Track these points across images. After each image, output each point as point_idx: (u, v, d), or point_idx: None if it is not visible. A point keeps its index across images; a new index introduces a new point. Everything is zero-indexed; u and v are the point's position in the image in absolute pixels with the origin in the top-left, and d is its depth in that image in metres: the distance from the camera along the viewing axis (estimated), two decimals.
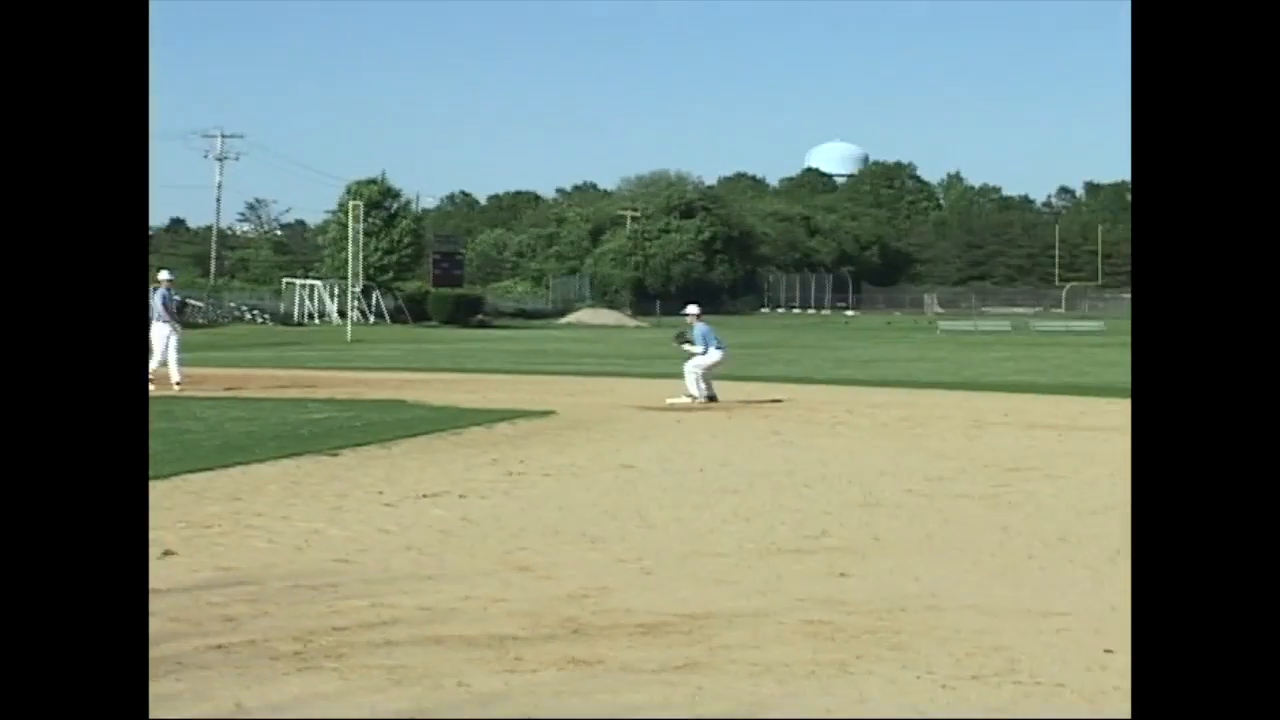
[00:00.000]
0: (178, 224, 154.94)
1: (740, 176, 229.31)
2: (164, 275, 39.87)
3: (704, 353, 32.54)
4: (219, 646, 9.88)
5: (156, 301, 38.03)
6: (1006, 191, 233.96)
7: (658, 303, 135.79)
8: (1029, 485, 18.70)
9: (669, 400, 31.98)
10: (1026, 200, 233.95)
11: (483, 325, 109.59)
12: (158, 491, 17.25)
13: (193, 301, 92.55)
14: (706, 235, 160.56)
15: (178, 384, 35.72)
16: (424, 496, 17.29)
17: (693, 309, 35.04)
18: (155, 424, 25.66)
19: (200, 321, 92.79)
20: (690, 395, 32.02)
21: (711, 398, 32.05)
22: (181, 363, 36.73)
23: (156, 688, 8.84)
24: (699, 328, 33.14)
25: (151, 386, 34.51)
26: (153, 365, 36.13)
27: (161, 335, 36.50)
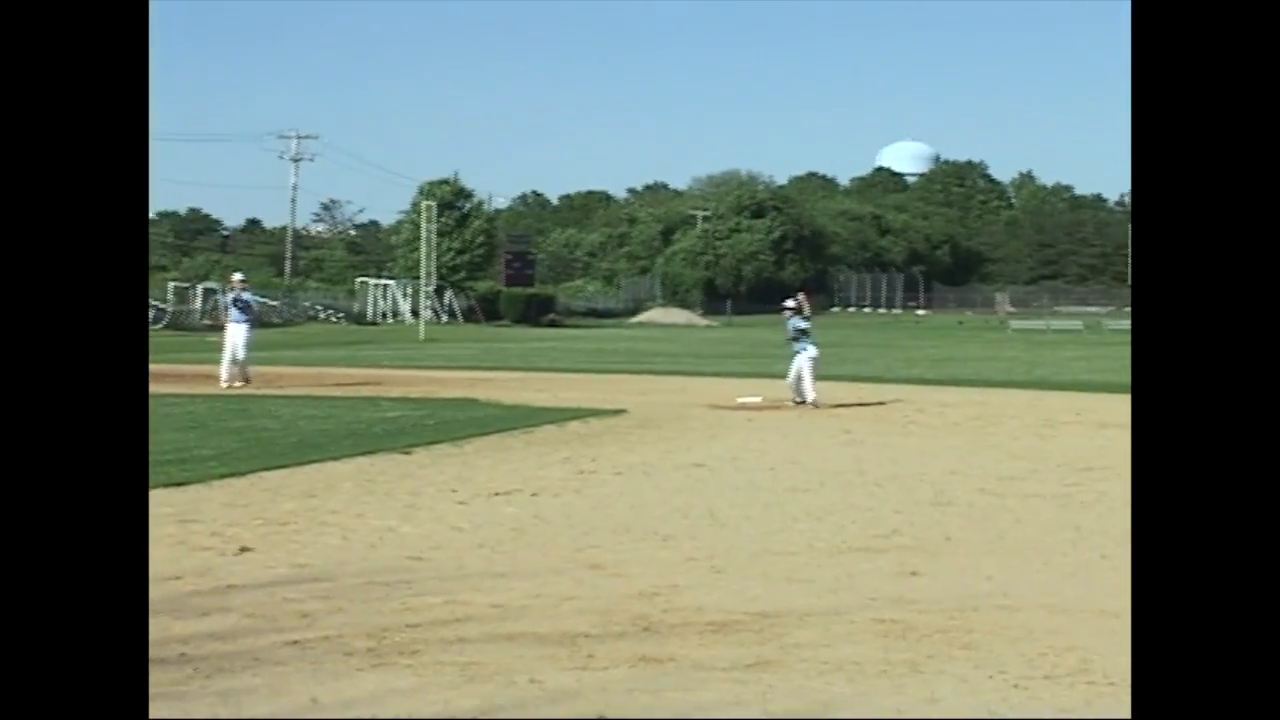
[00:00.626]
0: (253, 224, 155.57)
1: (811, 176, 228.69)
2: (237, 276, 40.20)
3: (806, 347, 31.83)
4: (295, 642, 9.92)
5: (229, 301, 38.37)
6: (1079, 191, 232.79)
7: (728, 302, 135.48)
8: (1101, 485, 18.61)
9: (740, 400, 31.89)
10: (1099, 199, 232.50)
11: (554, 324, 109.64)
12: (235, 489, 17.37)
13: (268, 302, 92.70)
14: (777, 235, 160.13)
15: (228, 376, 36.00)
16: (496, 494, 17.31)
17: (797, 299, 34.35)
18: (232, 422, 25.86)
19: (275, 321, 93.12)
20: (803, 398, 31.36)
21: (801, 399, 31.34)
22: (250, 361, 36.94)
23: (234, 682, 8.91)
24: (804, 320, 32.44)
25: (237, 384, 34.84)
26: (225, 363, 36.42)
27: (237, 334, 36.79)
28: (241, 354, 36.75)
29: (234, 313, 38.04)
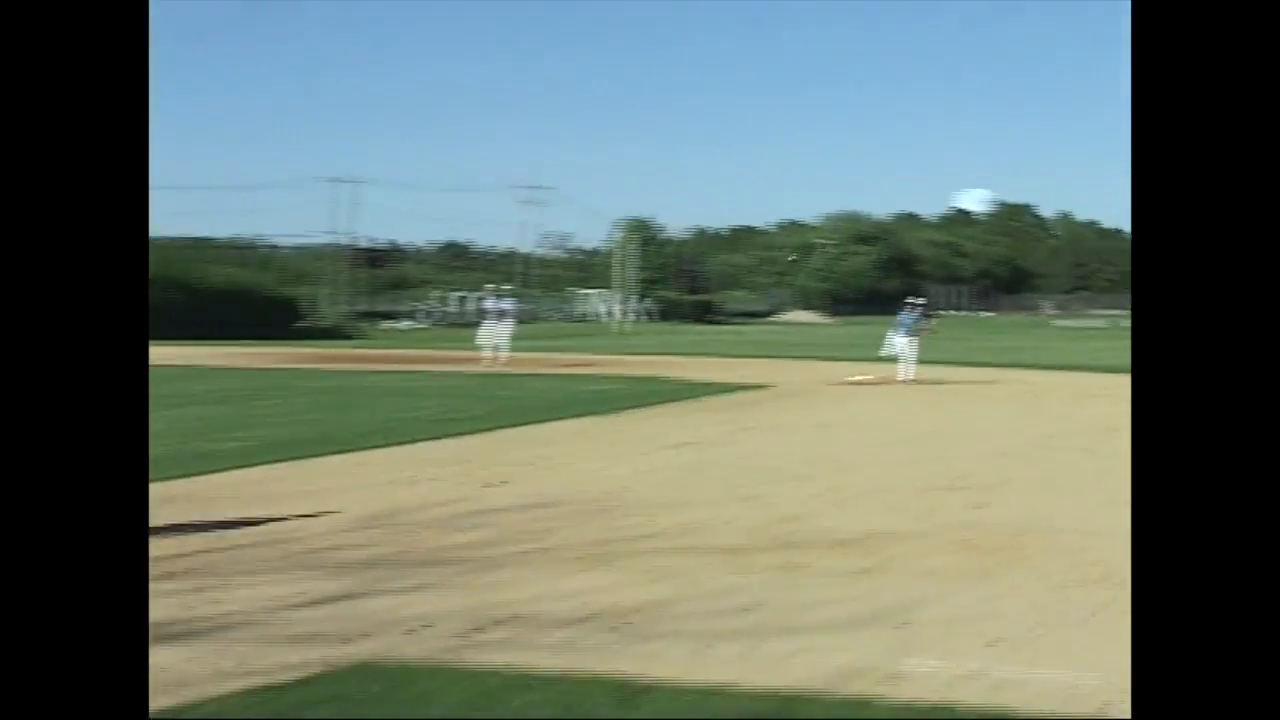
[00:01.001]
0: (460, 248, 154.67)
1: (904, 214, 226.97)
2: (489, 288, 41.04)
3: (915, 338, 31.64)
4: (535, 550, 10.05)
5: (491, 306, 39.11)
6: (1105, 224, 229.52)
7: (846, 306, 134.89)
8: (1123, 442, 18.36)
9: (854, 378, 31.71)
10: (1119, 231, 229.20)
11: (715, 323, 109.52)
12: (494, 439, 17.58)
13: (518, 305, 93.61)
14: (879, 258, 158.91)
15: (486, 360, 36.44)
16: (675, 446, 17.39)
17: (921, 300, 34.39)
18: (493, 391, 26.06)
19: (520, 321, 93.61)
20: (907, 376, 31.01)
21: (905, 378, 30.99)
22: (507, 349, 37.36)
23: (489, 577, 9.04)
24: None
25: (494, 366, 35.22)
26: (487, 353, 36.90)
27: (497, 329, 37.45)
28: (503, 344, 37.29)
29: (493, 313, 38.67)
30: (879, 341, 34.34)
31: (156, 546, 10.03)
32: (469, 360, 37.66)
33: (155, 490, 12.60)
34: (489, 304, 40.42)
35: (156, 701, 6.22)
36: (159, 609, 8.04)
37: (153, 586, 8.56)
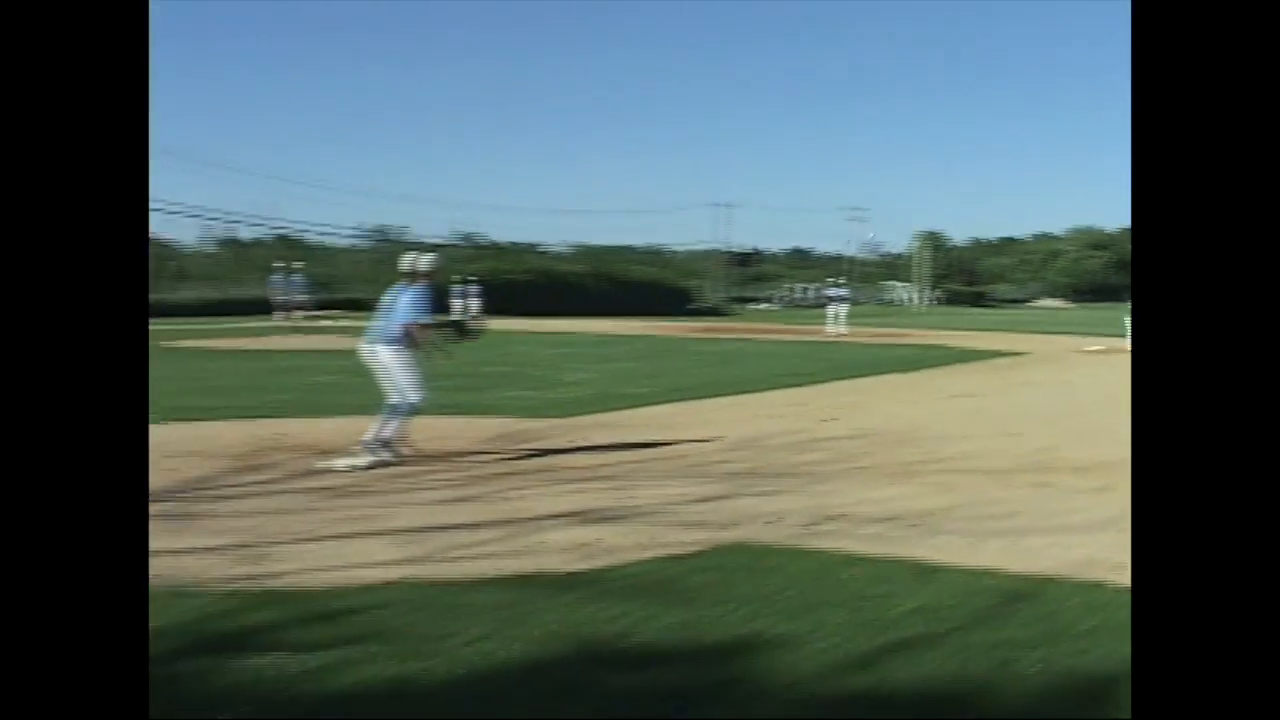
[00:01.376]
0: (804, 253, 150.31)
1: (1127, 227, 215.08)
2: (829, 280, 41.49)
3: None
4: (853, 468, 9.98)
5: (831, 293, 39.54)
6: None
7: (1084, 296, 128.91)
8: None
9: (1087, 348, 30.26)
10: None
11: (989, 307, 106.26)
12: (825, 390, 17.45)
13: (849, 293, 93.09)
14: (1109, 260, 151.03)
15: (830, 331, 36.30)
16: (958, 395, 16.96)
17: None
18: (818, 355, 25.85)
19: (851, 304, 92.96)
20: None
21: None
22: (839, 321, 37.30)
23: (823, 486, 8.97)
24: None
25: (836, 336, 35.08)
26: (830, 327, 36.93)
27: (834, 310, 37.50)
28: (841, 320, 37.31)
29: (835, 298, 38.87)
30: (1111, 323, 32.66)
31: (589, 458, 10.37)
32: (810, 332, 37.55)
33: (586, 420, 13.05)
34: (830, 292, 40.55)
35: (592, 562, 6.43)
36: (592, 500, 8.32)
37: (584, 485, 8.89)
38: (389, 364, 9.82)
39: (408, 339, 9.81)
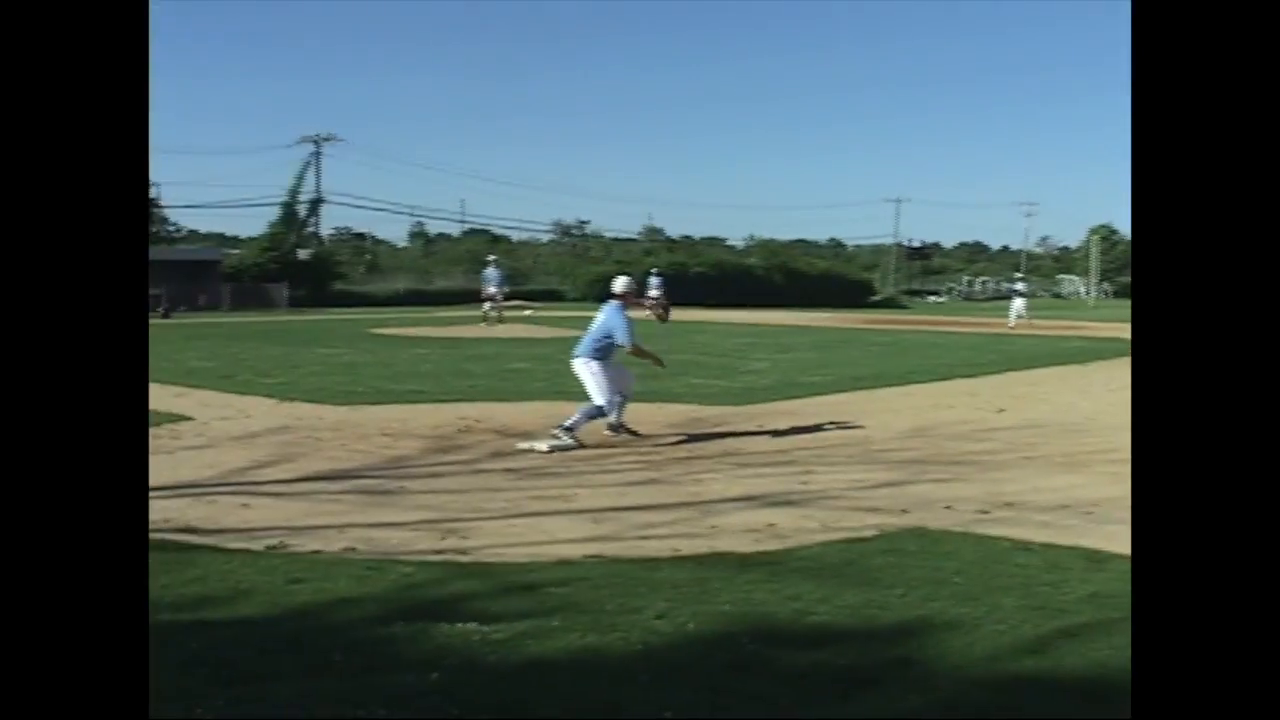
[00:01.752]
0: (977, 246, 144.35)
1: None
2: (1016, 275, 40.57)
3: None
4: (1025, 457, 9.62)
5: (1013, 288, 38.50)
6: None
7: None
8: None
9: None
10: None
11: None
12: (988, 382, 16.93)
13: (1029, 287, 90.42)
14: None
15: (1021, 326, 35.02)
16: (1128, 388, 16.18)
17: None
18: (992, 346, 25.11)
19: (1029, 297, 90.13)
20: None
21: None
22: (1020, 315, 36.11)
23: (995, 474, 8.68)
24: None
25: (1018, 327, 33.72)
26: (1012, 319, 35.55)
27: (1016, 304, 36.34)
28: (1022, 312, 35.89)
29: (1018, 292, 37.60)
30: None
31: (769, 443, 10.28)
32: (985, 325, 36.48)
33: (766, 407, 12.93)
34: (1016, 286, 39.40)
35: (770, 544, 6.36)
36: (772, 484, 8.24)
37: (763, 470, 8.80)
38: (596, 372, 10.33)
39: (614, 352, 10.43)
